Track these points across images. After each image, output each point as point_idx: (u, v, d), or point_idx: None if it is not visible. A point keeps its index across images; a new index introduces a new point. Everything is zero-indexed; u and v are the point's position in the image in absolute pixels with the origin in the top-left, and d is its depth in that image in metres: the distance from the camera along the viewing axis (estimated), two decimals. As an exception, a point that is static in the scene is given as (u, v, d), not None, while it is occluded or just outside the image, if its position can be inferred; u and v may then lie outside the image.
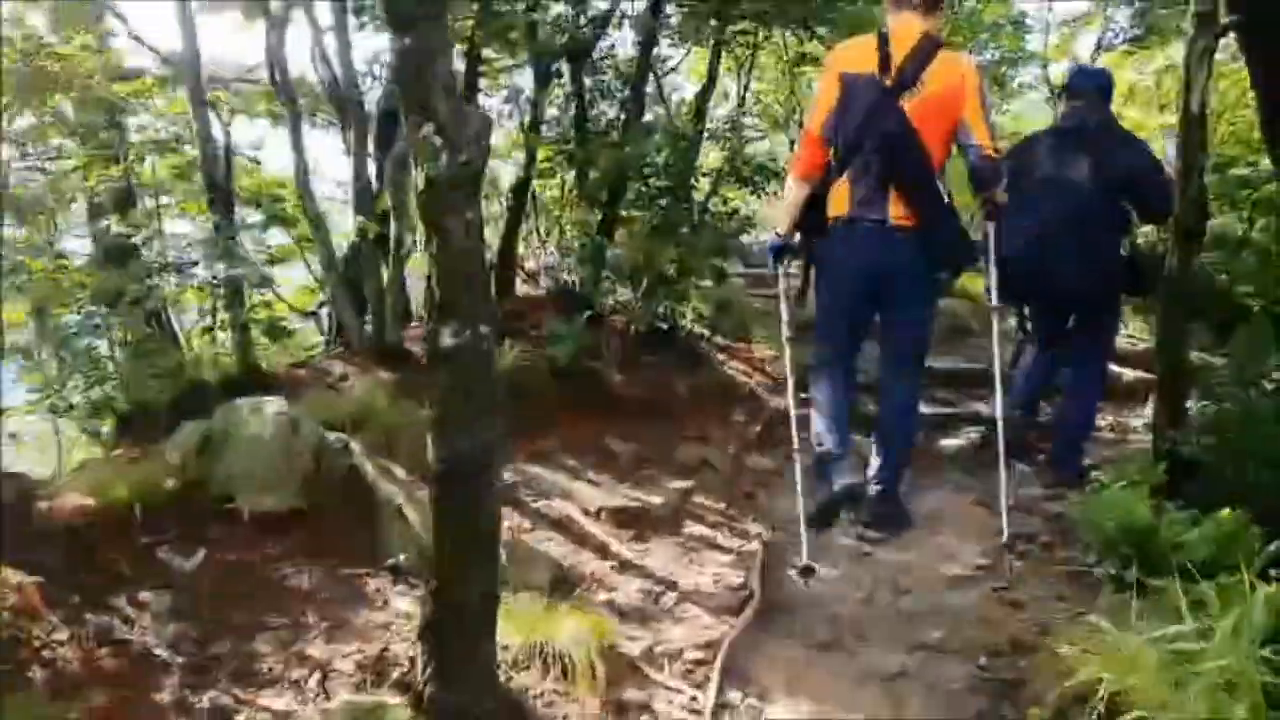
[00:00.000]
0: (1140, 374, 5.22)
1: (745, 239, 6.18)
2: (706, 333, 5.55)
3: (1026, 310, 4.39)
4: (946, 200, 2.97)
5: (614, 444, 4.06)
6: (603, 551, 3.08)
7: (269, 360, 4.55)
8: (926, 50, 2.88)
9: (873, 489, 3.07)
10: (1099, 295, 3.70)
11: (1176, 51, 9.88)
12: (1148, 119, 12.37)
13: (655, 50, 5.32)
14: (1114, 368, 4.81)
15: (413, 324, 5.05)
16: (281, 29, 4.21)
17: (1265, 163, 6.32)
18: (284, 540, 2.91)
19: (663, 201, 5.02)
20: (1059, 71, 8.39)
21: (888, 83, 2.89)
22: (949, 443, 4.60)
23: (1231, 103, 7.47)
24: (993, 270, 3.10)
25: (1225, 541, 2.43)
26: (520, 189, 5.40)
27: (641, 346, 4.85)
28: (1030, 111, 10.74)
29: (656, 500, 3.49)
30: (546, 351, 4.35)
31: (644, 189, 5.09)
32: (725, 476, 3.92)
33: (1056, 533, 3.36)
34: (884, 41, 2.94)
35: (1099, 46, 7.87)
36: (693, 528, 3.38)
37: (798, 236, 3.28)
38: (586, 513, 3.30)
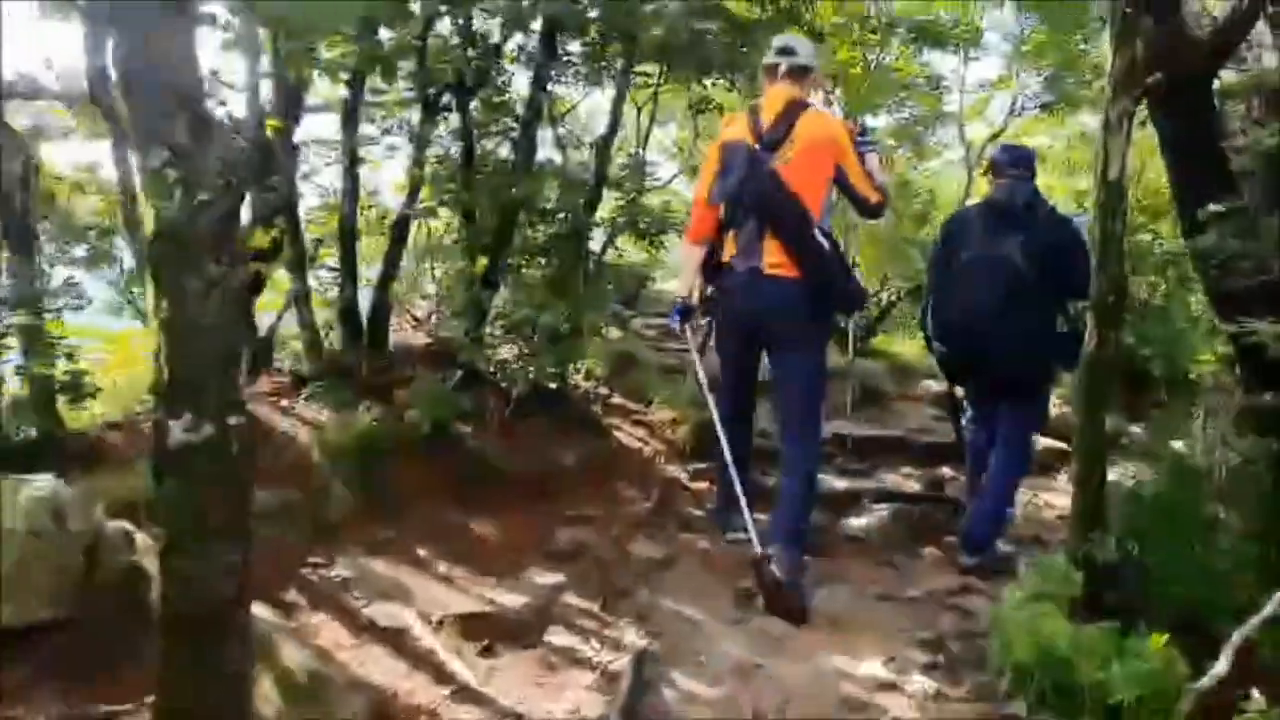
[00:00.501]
0: (1052, 442, 5.04)
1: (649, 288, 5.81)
2: (601, 394, 5.10)
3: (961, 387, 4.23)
4: (828, 248, 3.21)
5: (478, 528, 3.53)
6: (439, 673, 2.53)
7: (84, 418, 3.88)
8: (793, 112, 3.22)
9: (769, 574, 3.05)
10: (1030, 372, 3.63)
11: (1088, 119, 10.14)
12: (1057, 183, 12.67)
13: (549, 88, 4.92)
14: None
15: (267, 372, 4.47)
16: (97, 30, 3.52)
17: (1165, 228, 6.51)
18: (24, 664, 2.30)
19: (554, 250, 4.58)
20: (975, 134, 8.41)
21: (757, 145, 3.23)
22: (855, 522, 4.24)
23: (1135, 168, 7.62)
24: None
25: (1150, 679, 2.07)
26: (400, 225, 4.89)
27: (525, 410, 4.34)
28: (948, 170, 10.80)
29: (517, 601, 2.97)
30: (408, 416, 3.81)
31: (533, 235, 4.65)
32: (605, 566, 3.42)
33: (967, 638, 2.99)
34: (753, 111, 3.32)
35: (1012, 110, 7.88)
36: (557, 636, 2.86)
37: (696, 298, 3.61)
38: (427, 620, 2.75)
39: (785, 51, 3.34)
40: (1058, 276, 3.40)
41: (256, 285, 3.94)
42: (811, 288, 3.15)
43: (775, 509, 3.28)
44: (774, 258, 3.16)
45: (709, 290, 3.60)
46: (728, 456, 3.34)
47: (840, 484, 4.63)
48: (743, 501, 3.25)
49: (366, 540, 3.24)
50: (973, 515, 3.70)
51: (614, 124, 4.98)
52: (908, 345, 7.45)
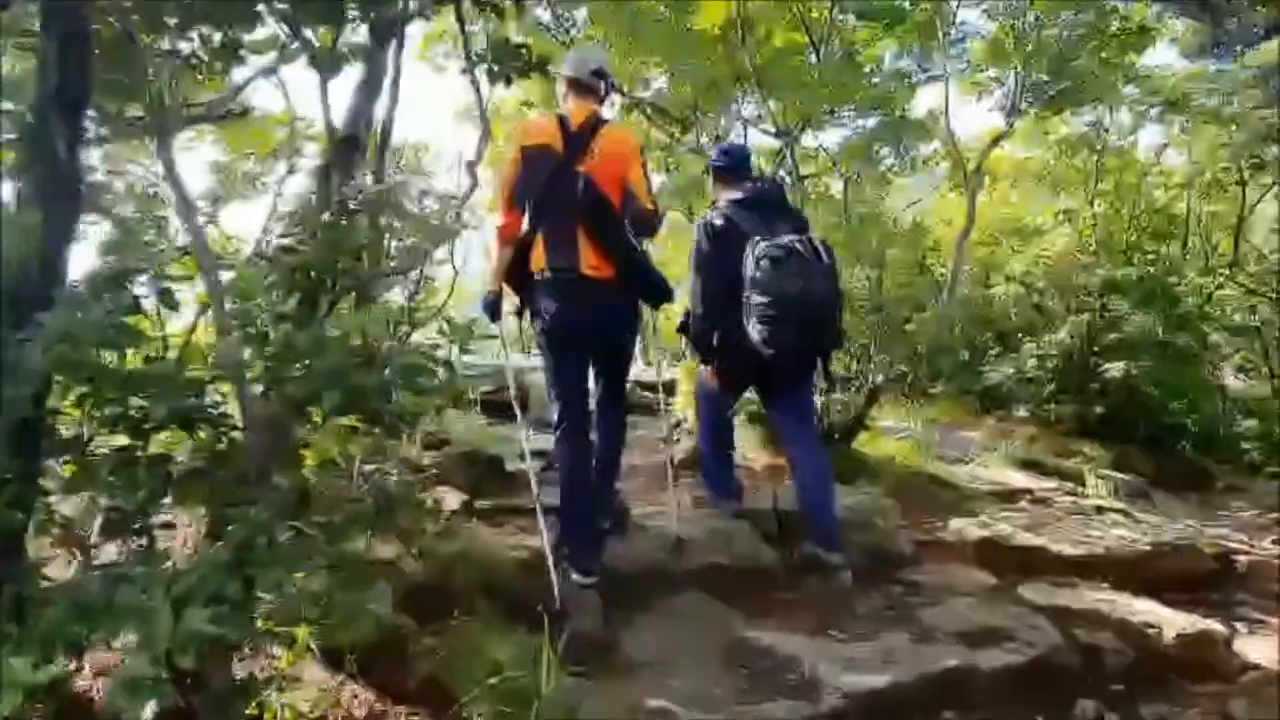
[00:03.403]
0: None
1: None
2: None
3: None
4: (638, 247, 3.37)
5: None
6: None
7: None
8: (594, 125, 3.39)
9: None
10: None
11: (1090, 118, 8.50)
12: (1035, 203, 10.91)
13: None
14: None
15: None
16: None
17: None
18: None
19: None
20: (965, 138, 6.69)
21: (564, 150, 3.33)
22: None
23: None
24: None
25: None
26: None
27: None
28: (920, 191, 9.08)
29: None
30: None
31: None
32: None
33: None
34: (562, 121, 3.40)
35: (1012, 108, 6.11)
36: None
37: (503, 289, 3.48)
38: None
39: (599, 74, 3.48)
40: None
41: None
42: (627, 285, 3.32)
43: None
44: (589, 259, 3.24)
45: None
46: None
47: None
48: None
49: None
50: (821, 510, 3.76)
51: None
52: (902, 446, 5.60)
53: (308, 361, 1.33)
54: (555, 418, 3.31)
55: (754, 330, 3.52)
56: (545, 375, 3.40)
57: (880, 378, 5.45)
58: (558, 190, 3.22)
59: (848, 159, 6.22)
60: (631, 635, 3.01)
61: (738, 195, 3.81)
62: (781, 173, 6.10)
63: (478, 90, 3.54)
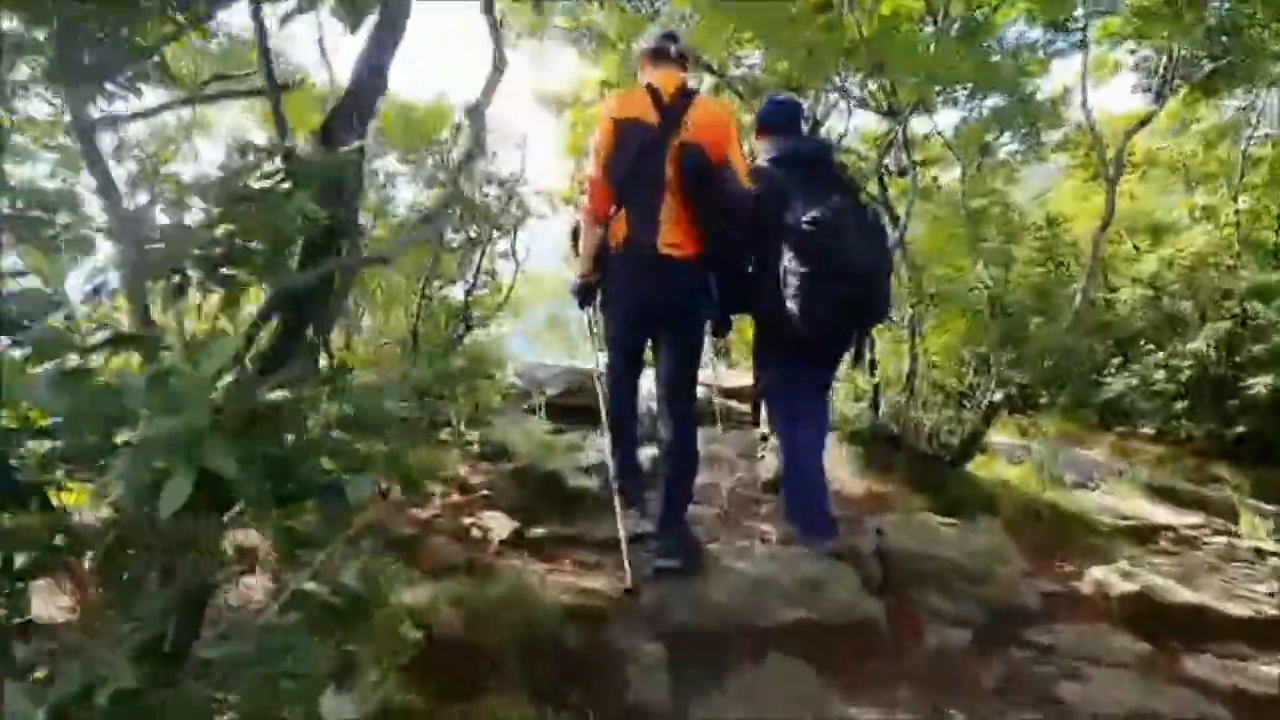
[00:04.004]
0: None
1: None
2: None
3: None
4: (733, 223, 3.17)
5: None
6: None
7: None
8: (686, 95, 3.22)
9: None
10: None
11: (1242, 102, 7.46)
12: (1168, 197, 9.79)
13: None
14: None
15: None
16: None
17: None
18: None
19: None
20: (1102, 115, 5.82)
21: (659, 124, 3.15)
22: None
23: None
24: None
25: None
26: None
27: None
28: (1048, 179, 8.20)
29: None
30: None
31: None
32: None
33: None
34: (654, 91, 3.21)
35: (1165, 83, 5.23)
36: None
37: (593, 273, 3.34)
38: None
39: (671, 38, 3.36)
40: None
41: None
42: (705, 266, 3.19)
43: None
44: (670, 237, 3.11)
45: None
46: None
47: None
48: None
49: None
50: (811, 494, 3.49)
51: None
52: (1019, 470, 4.88)
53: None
54: (606, 363, 3.36)
55: (790, 302, 3.26)
56: (608, 347, 3.36)
57: (999, 393, 4.74)
58: (646, 164, 3.08)
59: (966, 143, 5.46)
60: (703, 708, 2.48)
61: (781, 152, 3.51)
62: (888, 160, 5.43)
63: (494, 24, 3.09)
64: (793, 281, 3.25)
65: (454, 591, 2.43)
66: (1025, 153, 5.89)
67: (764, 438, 5.20)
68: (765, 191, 3.32)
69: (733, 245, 3.18)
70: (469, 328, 4.62)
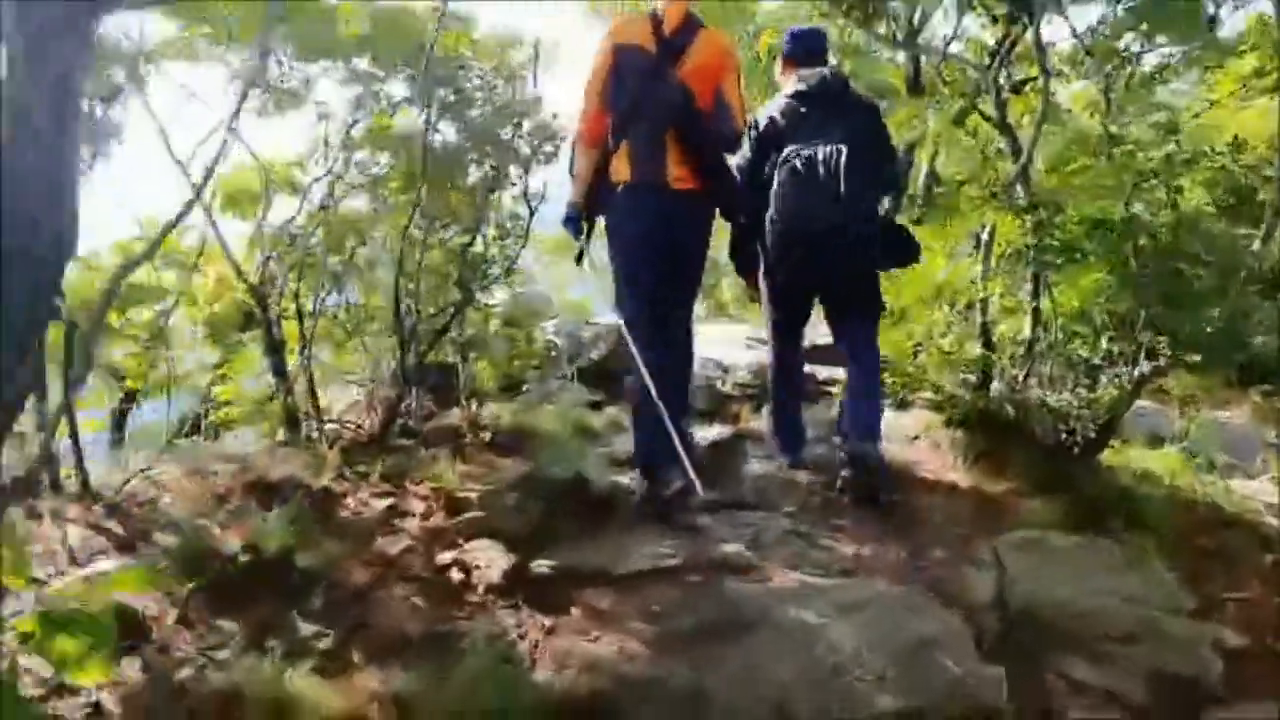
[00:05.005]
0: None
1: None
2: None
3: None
4: (724, 160, 3.21)
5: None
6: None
7: None
8: (690, 27, 3.14)
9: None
10: (874, 272, 3.47)
11: None
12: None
13: None
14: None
15: None
16: None
17: None
18: None
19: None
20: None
21: (658, 53, 3.08)
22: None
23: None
24: None
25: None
26: None
27: None
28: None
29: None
30: None
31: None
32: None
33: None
34: (656, 20, 3.12)
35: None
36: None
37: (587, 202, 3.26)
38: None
39: None
40: (879, 167, 3.32)
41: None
42: (712, 199, 3.17)
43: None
44: (677, 171, 3.06)
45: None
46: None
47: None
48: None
49: None
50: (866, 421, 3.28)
51: None
52: (1168, 459, 3.89)
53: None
54: (627, 315, 3.10)
55: (766, 252, 3.35)
56: (615, 280, 3.18)
57: (1148, 365, 3.75)
58: (647, 95, 3.04)
59: (1106, 50, 4.30)
60: None
61: (798, 88, 3.42)
62: (1003, 79, 4.37)
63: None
64: (768, 231, 3.29)
65: (395, 687, 1.70)
66: (1178, 61, 4.66)
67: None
68: (767, 133, 3.33)
69: (728, 184, 3.16)
70: (483, 284, 3.86)
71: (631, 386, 3.08)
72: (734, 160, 3.39)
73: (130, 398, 4.72)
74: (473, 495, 2.75)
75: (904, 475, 3.47)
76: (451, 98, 3.81)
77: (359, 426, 3.17)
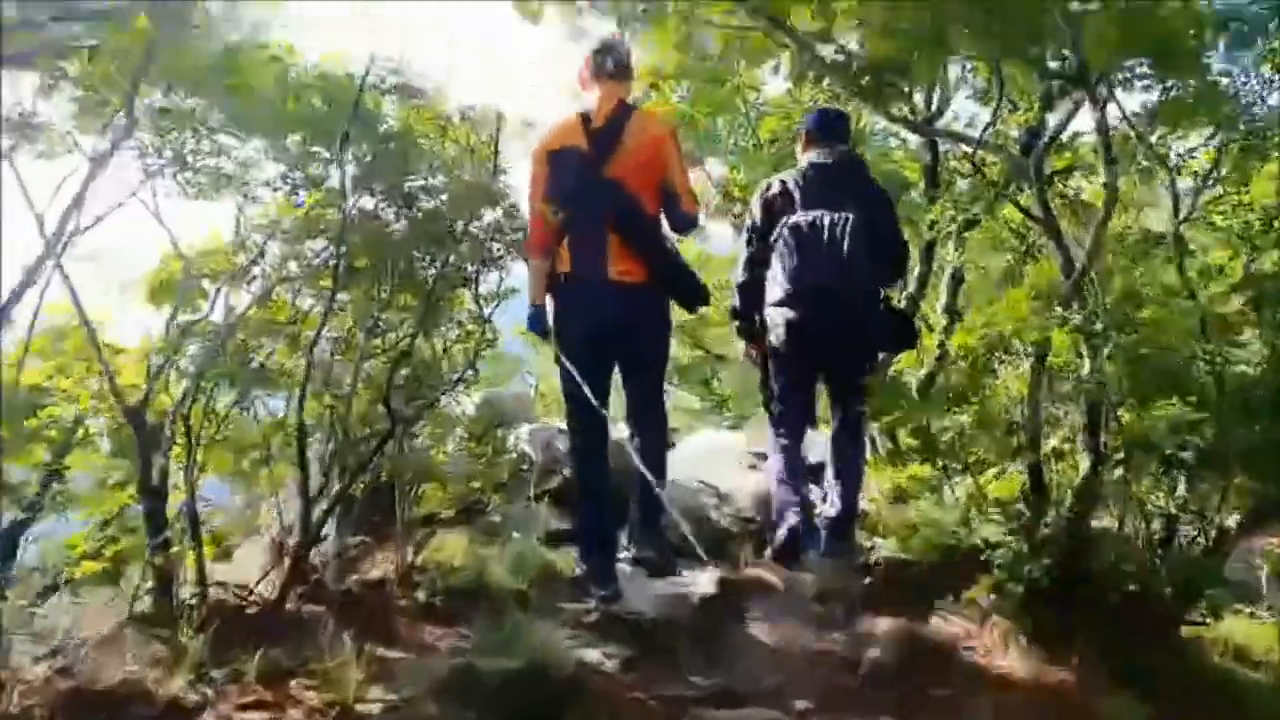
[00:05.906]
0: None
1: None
2: None
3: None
4: (671, 246, 3.21)
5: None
6: None
7: None
8: (622, 114, 3.11)
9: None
10: (872, 350, 3.56)
11: None
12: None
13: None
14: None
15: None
16: None
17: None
18: None
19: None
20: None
21: (590, 151, 3.06)
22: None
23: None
24: None
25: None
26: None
27: None
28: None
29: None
30: None
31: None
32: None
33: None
34: (584, 118, 3.10)
35: None
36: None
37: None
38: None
39: (610, 50, 3.22)
40: (884, 245, 3.26)
41: None
42: (662, 289, 3.13)
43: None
44: (619, 265, 3.03)
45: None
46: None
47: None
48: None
49: None
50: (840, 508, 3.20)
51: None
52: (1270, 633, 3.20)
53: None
54: (569, 426, 3.23)
55: (768, 316, 3.30)
56: (562, 384, 3.15)
57: (1234, 514, 3.09)
58: (584, 193, 3.02)
59: (1171, 121, 3.70)
60: None
61: (814, 160, 3.43)
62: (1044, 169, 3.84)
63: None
64: (769, 297, 3.26)
65: None
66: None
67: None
68: (775, 201, 3.32)
69: (674, 269, 3.11)
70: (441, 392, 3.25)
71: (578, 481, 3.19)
72: (743, 229, 3.50)
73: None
74: (376, 710, 2.03)
75: (947, 659, 2.76)
76: (409, 184, 3.29)
77: (249, 592, 2.46)
